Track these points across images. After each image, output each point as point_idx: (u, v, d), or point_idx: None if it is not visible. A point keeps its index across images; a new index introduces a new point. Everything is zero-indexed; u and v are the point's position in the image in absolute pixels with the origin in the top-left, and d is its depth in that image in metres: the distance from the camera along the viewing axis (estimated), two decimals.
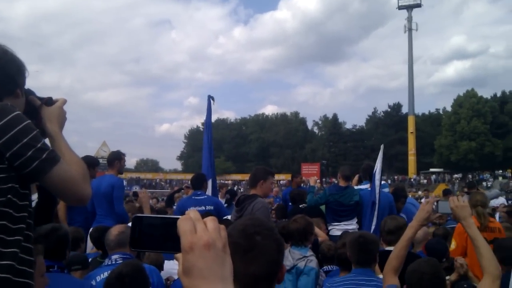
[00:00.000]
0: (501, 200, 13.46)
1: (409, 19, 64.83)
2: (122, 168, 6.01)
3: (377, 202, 5.18)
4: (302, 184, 9.03)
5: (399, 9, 66.21)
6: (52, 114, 1.84)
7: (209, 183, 6.77)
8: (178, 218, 0.83)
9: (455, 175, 56.47)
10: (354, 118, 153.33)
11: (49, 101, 1.87)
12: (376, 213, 5.11)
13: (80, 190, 1.68)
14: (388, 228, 3.94)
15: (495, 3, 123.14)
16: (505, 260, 3.44)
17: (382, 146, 5.84)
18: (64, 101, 1.93)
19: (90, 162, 5.88)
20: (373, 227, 5.04)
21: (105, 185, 5.66)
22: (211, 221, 0.84)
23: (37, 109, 1.83)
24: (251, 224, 1.50)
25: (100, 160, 10.84)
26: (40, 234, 3.05)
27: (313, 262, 3.97)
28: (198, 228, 0.81)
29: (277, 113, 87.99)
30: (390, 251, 3.76)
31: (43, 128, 1.79)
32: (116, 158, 5.94)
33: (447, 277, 3.64)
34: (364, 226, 5.80)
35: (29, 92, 1.85)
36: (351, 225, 6.01)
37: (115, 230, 3.39)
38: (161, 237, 0.88)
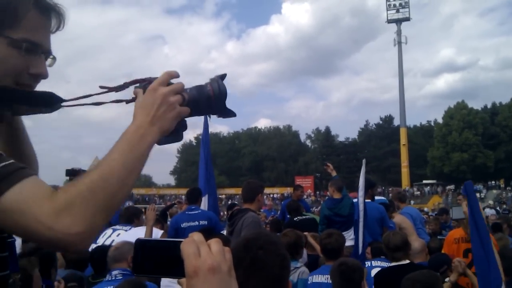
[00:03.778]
0: (489, 211, 13.61)
1: (398, 33, 65.47)
2: None
3: (361, 220, 5.16)
4: (303, 197, 9.04)
5: (388, 23, 66.89)
6: (144, 101, 1.13)
7: (205, 198, 6.75)
8: (182, 241, 0.80)
9: (448, 187, 56.64)
10: (346, 131, 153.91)
11: (146, 85, 1.17)
12: (361, 231, 5.09)
13: (40, 225, 0.91)
14: (395, 244, 3.94)
15: (484, 17, 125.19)
16: (509, 269, 3.45)
17: (364, 161, 5.82)
18: (177, 88, 1.16)
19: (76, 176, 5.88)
20: (360, 244, 5.03)
21: None
22: (215, 243, 0.80)
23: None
24: (254, 238, 1.50)
25: None
26: (24, 252, 3.03)
27: (305, 274, 4.03)
28: (202, 252, 0.77)
29: (270, 127, 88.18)
30: (397, 267, 3.80)
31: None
32: None
33: (447, 279, 3.67)
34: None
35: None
36: (351, 235, 6.04)
37: (114, 246, 3.44)
38: (164, 261, 0.85)
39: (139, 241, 0.88)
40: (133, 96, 1.17)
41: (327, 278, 3.60)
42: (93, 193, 0.96)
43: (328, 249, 4.09)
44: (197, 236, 0.81)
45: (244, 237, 1.54)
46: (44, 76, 1.15)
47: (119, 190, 1.01)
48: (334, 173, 6.93)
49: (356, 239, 5.16)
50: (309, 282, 3.90)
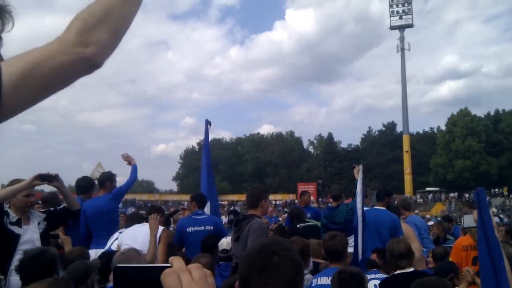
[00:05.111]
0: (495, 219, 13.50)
1: (401, 39, 65.59)
2: (114, 188, 6.00)
3: (359, 226, 5.13)
4: (310, 203, 8.96)
5: (391, 29, 67.03)
6: None
7: (207, 205, 6.74)
8: (163, 266, 0.77)
9: (451, 194, 56.45)
10: (349, 137, 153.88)
11: None
12: (360, 237, 5.06)
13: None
14: (399, 252, 3.91)
15: (488, 23, 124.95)
16: None
17: (361, 167, 5.74)
18: None
19: (86, 184, 5.89)
20: (360, 251, 5.00)
21: (106, 204, 5.67)
22: (196, 269, 0.78)
23: None
24: (269, 244, 1.50)
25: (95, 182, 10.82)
26: (26, 257, 3.01)
27: (308, 281, 4.00)
28: (183, 282, 0.75)
29: (272, 133, 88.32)
30: (403, 275, 3.77)
31: None
32: (108, 179, 5.97)
33: (456, 287, 3.64)
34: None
35: None
36: (351, 243, 5.99)
37: (119, 252, 3.42)
38: None
39: (117, 268, 0.82)
40: None
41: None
42: (95, 17, 1.02)
43: (332, 250, 4.07)
44: (177, 264, 0.78)
45: (259, 243, 1.54)
46: None
47: (123, 19, 1.08)
48: (357, 177, 6.90)
49: (356, 246, 5.14)
50: (313, 285, 3.88)
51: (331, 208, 6.46)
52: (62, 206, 4.62)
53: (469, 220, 3.73)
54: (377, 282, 4.28)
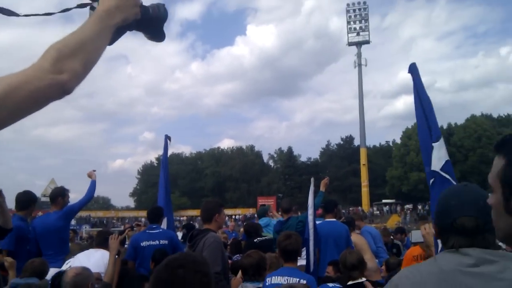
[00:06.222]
0: None
1: (359, 55, 67.30)
2: (66, 205, 5.76)
3: (311, 238, 5.20)
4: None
5: (349, 45, 68.74)
6: None
7: (165, 220, 6.61)
8: None
9: (407, 206, 57.93)
10: (309, 151, 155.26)
11: None
12: (312, 249, 5.13)
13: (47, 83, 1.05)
14: (351, 263, 3.98)
15: (442, 40, 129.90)
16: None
17: (312, 179, 5.92)
18: None
19: (27, 199, 5.58)
20: (311, 262, 5.05)
21: (54, 222, 5.45)
22: None
23: None
24: (175, 258, 1.55)
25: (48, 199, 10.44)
26: None
27: None
28: None
29: (233, 147, 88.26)
30: (355, 285, 3.82)
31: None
32: (59, 195, 5.73)
33: None
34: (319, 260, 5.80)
35: None
36: (303, 255, 6.03)
37: (72, 272, 3.30)
38: None
39: None
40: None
41: (287, 280, 3.72)
42: (70, 48, 1.12)
43: (289, 250, 4.10)
44: None
45: (167, 258, 1.61)
46: None
47: (94, 53, 1.21)
48: (323, 189, 6.95)
49: (308, 257, 5.18)
50: (267, 283, 3.88)
51: (281, 222, 6.48)
52: None
53: (417, 235, 3.90)
54: None
